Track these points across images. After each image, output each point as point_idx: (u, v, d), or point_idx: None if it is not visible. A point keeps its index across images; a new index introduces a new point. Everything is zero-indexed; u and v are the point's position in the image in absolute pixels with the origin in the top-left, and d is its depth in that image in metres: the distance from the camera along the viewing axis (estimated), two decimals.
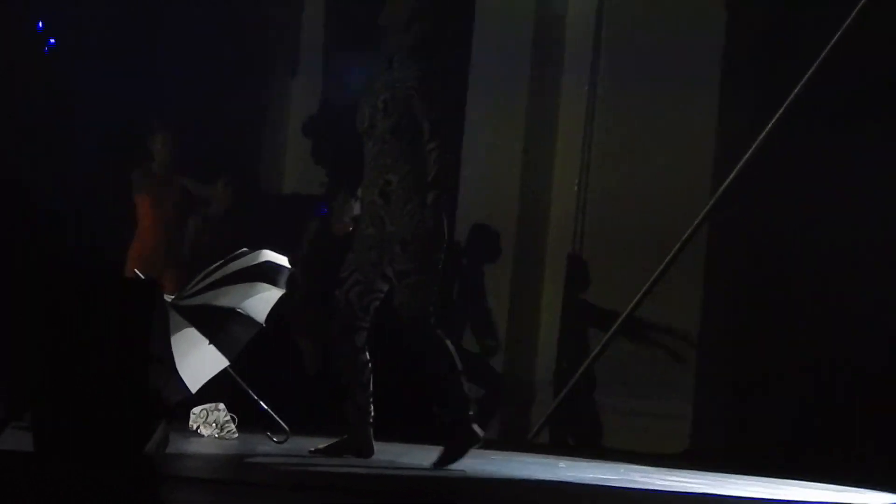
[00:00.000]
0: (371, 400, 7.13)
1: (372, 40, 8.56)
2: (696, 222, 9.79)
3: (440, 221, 7.03)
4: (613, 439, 9.94)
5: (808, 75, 9.40)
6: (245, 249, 7.63)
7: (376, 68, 7.20)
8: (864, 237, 9.43)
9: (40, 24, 9.77)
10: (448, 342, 7.03)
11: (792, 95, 9.41)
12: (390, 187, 7.01)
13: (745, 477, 8.32)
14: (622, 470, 8.17)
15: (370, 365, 7.11)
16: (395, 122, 7.00)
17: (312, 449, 7.19)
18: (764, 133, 9.54)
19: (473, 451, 7.55)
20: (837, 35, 9.35)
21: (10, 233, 9.77)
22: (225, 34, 10.68)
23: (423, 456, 7.38)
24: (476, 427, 7.04)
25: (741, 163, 9.64)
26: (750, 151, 9.57)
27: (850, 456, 9.32)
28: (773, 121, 9.49)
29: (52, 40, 9.80)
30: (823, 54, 9.37)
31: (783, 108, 9.43)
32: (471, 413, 7.05)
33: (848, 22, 9.30)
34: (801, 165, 9.55)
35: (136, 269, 8.25)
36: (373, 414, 7.14)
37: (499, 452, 8.63)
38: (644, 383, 9.94)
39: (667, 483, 7.58)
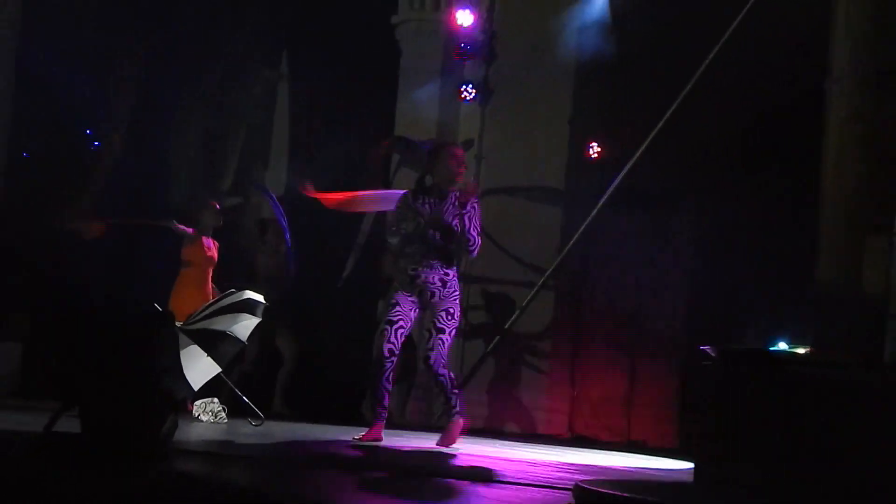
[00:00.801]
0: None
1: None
2: (547, 272, 9.77)
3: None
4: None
5: (633, 160, 9.27)
6: (233, 290, 7.67)
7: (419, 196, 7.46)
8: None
9: (88, 130, 9.63)
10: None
11: (616, 180, 9.37)
12: (448, 277, 7.32)
13: (582, 449, 8.36)
14: (497, 444, 8.29)
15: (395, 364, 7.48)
16: (451, 233, 7.39)
17: (356, 436, 7.35)
18: (597, 208, 9.55)
19: (396, 432, 7.72)
20: (661, 123, 9.02)
21: (70, 285, 9.63)
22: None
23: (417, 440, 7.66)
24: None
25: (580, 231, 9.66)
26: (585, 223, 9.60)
27: (658, 430, 9.40)
28: (604, 197, 9.52)
29: (97, 143, 9.68)
30: (644, 145, 9.14)
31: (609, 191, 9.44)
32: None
33: (670, 113, 8.97)
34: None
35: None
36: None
37: (411, 432, 8.78)
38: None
39: (516, 452, 7.58)
